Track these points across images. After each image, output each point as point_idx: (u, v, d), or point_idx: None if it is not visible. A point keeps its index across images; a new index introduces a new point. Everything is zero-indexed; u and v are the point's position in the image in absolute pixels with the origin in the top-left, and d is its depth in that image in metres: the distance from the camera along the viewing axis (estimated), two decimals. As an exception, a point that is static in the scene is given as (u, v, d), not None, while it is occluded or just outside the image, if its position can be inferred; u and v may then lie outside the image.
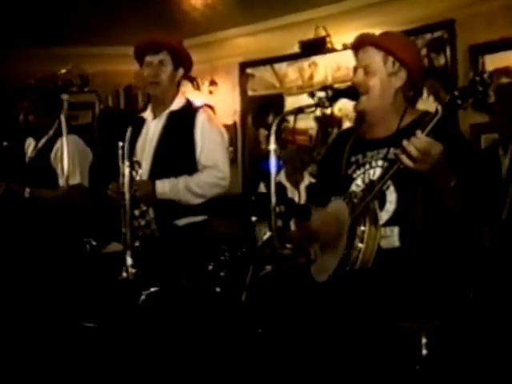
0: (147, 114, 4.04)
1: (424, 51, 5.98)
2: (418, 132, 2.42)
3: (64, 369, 3.66)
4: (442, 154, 2.43)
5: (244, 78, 7.48)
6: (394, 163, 2.56)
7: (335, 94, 2.76)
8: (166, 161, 3.84)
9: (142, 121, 4.03)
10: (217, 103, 7.40)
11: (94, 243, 3.83)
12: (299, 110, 2.78)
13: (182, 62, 3.98)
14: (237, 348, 3.62)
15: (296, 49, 6.67)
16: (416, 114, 2.87)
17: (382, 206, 2.75)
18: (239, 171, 7.54)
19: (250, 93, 7.47)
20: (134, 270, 3.37)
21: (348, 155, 2.98)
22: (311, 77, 6.87)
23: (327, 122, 6.68)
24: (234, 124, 7.54)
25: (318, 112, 5.50)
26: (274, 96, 7.20)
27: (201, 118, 3.84)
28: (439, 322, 2.54)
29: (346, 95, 2.88)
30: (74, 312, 3.82)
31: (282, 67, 7.14)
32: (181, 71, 3.99)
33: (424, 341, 2.51)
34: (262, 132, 7.30)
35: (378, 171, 2.79)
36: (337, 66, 6.48)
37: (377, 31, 3.07)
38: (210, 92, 7.55)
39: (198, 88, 7.57)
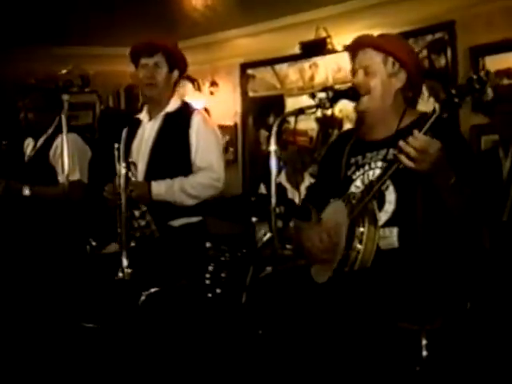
0: (143, 116, 4.06)
1: (425, 52, 5.99)
2: (416, 131, 2.43)
3: (64, 369, 3.67)
4: (440, 151, 2.43)
5: (245, 78, 7.48)
6: (393, 164, 2.57)
7: (336, 95, 2.76)
8: (162, 162, 3.86)
9: (138, 122, 4.05)
10: (217, 104, 7.46)
11: (93, 243, 3.83)
12: (300, 111, 2.78)
13: (177, 63, 4.01)
14: (237, 349, 3.62)
15: (297, 50, 6.67)
16: (415, 115, 2.88)
17: (380, 206, 2.75)
18: (239, 172, 7.55)
19: (250, 94, 7.47)
20: (129, 271, 3.38)
21: (347, 157, 2.98)
22: (312, 78, 6.87)
23: (328, 123, 6.67)
24: (235, 125, 7.55)
25: (319, 113, 5.53)
26: (275, 97, 7.20)
27: (196, 120, 3.87)
28: (439, 324, 2.54)
29: (346, 96, 2.88)
30: (74, 312, 3.82)
31: (282, 68, 7.14)
32: (176, 73, 4.02)
33: (424, 342, 2.51)
34: (263, 133, 7.30)
35: (378, 172, 2.78)
36: (337, 67, 6.47)
37: (377, 32, 3.08)
38: (211, 93, 7.56)
39: (198, 89, 7.59)
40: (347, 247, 2.66)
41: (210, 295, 4.72)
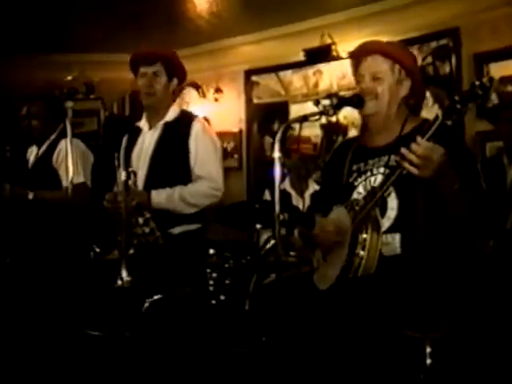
0: (143, 124, 4.09)
1: (429, 59, 5.98)
2: (419, 138, 2.44)
3: (68, 376, 3.66)
4: (443, 157, 2.44)
5: (249, 85, 7.47)
6: (396, 170, 2.57)
7: (340, 102, 2.76)
8: (162, 171, 3.89)
9: (138, 130, 4.06)
10: (222, 111, 7.45)
11: (97, 250, 3.83)
12: (304, 118, 2.78)
13: (176, 72, 4.04)
14: (241, 356, 3.62)
15: (301, 57, 6.65)
16: (417, 121, 2.89)
17: (383, 212, 2.75)
18: (244, 178, 7.53)
19: (255, 100, 7.46)
20: (129, 279, 3.38)
21: (350, 164, 2.99)
22: (316, 85, 6.86)
23: (332, 130, 6.66)
24: (240, 131, 7.53)
25: (324, 120, 5.52)
26: (279, 104, 7.19)
27: (195, 129, 3.89)
28: (444, 332, 2.53)
29: (350, 103, 2.89)
30: (78, 319, 3.82)
31: (287, 75, 7.13)
32: (175, 81, 4.06)
33: (428, 350, 2.50)
34: (267, 139, 7.29)
35: (380, 178, 2.79)
36: (342, 73, 6.46)
37: (382, 39, 3.09)
38: (216, 99, 7.55)
39: (203, 95, 7.58)
40: (350, 254, 2.66)
41: (213, 302, 4.71)
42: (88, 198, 4.60)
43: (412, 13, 5.96)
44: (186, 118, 3.98)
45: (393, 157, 2.77)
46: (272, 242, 4.31)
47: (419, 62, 5.92)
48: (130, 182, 3.58)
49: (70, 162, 3.94)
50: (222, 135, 7.37)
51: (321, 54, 6.54)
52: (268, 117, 7.29)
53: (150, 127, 4.02)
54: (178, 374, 3.54)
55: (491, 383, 3.06)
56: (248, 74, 7.46)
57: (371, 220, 2.67)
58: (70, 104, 3.88)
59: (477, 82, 2.42)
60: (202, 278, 4.01)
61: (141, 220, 3.67)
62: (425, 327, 2.50)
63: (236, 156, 7.54)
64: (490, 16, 5.49)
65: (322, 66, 6.75)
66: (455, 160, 2.53)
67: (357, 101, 2.90)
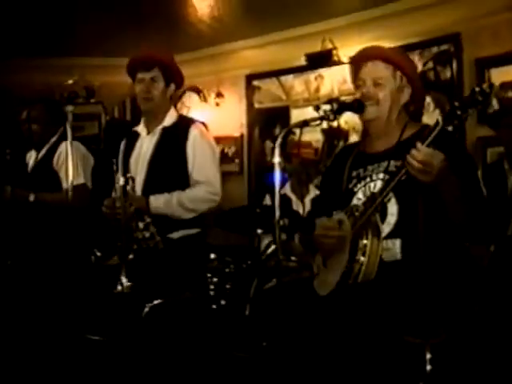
0: (141, 129, 4.09)
1: (430, 64, 5.98)
2: (418, 144, 2.44)
3: (67, 380, 3.66)
4: (443, 162, 2.44)
5: (250, 90, 7.48)
6: (395, 175, 2.57)
7: (340, 107, 2.77)
8: (160, 176, 3.91)
9: (136, 135, 4.07)
10: (223, 115, 7.46)
11: (98, 254, 3.83)
12: (304, 124, 2.78)
13: (174, 77, 4.05)
14: (241, 361, 3.61)
15: (302, 61, 6.66)
16: (416, 127, 2.90)
17: (383, 218, 2.75)
18: (245, 183, 7.54)
19: (256, 105, 7.46)
20: (128, 284, 3.39)
21: (349, 170, 2.99)
22: (317, 89, 6.86)
23: (334, 135, 6.66)
24: (241, 136, 7.54)
25: (325, 124, 5.52)
26: (281, 108, 7.19)
27: (193, 134, 3.90)
28: (444, 338, 2.52)
29: (351, 108, 2.89)
30: (78, 324, 3.82)
31: (288, 79, 7.13)
32: (172, 87, 4.07)
33: (428, 356, 2.49)
34: (268, 144, 7.29)
35: (379, 184, 2.80)
36: (343, 78, 6.45)
37: (384, 44, 3.09)
38: (217, 104, 7.55)
39: (204, 100, 7.59)
40: (350, 260, 2.66)
41: (214, 307, 4.71)
42: (88, 200, 4.61)
43: (413, 18, 5.96)
44: (184, 123, 3.99)
45: (392, 162, 2.78)
46: (272, 247, 4.33)
47: (420, 67, 5.94)
48: (129, 188, 3.59)
49: (71, 165, 3.95)
50: (223, 140, 7.41)
51: (322, 59, 6.54)
52: (269, 121, 7.29)
53: (148, 132, 4.03)
54: (178, 379, 3.54)
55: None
56: (249, 78, 7.46)
57: (371, 226, 2.67)
58: (70, 108, 3.90)
59: (477, 88, 2.42)
60: (202, 283, 4.01)
61: (141, 225, 3.67)
62: (425, 333, 2.50)
63: (237, 161, 7.55)
64: (490, 21, 5.49)
65: (324, 71, 6.75)
66: (455, 166, 2.53)
67: (357, 106, 2.90)
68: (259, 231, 4.86)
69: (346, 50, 6.06)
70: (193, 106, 7.66)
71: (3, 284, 4.40)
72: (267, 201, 5.50)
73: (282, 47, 6.93)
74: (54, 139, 4.77)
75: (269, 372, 3.07)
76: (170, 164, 3.89)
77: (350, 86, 6.15)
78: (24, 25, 6.21)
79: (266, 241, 4.97)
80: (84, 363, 3.67)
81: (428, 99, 5.78)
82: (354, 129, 6.36)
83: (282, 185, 5.37)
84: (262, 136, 7.43)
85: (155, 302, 3.53)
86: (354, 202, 2.88)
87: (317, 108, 2.75)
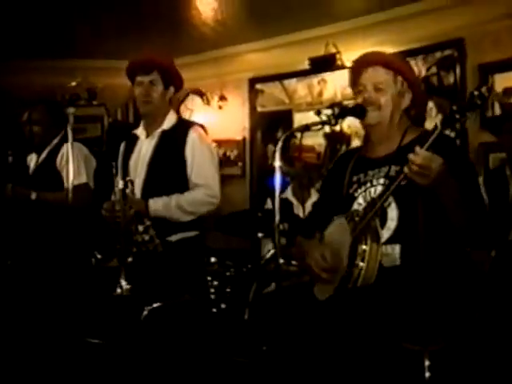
0: (140, 132, 4.09)
1: (434, 69, 5.98)
2: (417, 148, 2.44)
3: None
4: (442, 166, 2.44)
5: (253, 93, 7.48)
6: (395, 180, 2.57)
7: (342, 112, 2.77)
8: (159, 179, 3.90)
9: (136, 137, 4.08)
10: (226, 118, 7.46)
11: (99, 256, 3.83)
12: (305, 128, 2.78)
13: (173, 81, 4.05)
14: (241, 365, 3.61)
15: (306, 65, 6.65)
16: (417, 132, 2.90)
17: (383, 223, 2.74)
18: (247, 187, 7.53)
19: (259, 108, 7.46)
20: (128, 287, 3.39)
21: (350, 175, 2.99)
22: (320, 93, 6.86)
23: (336, 139, 6.65)
24: (243, 139, 7.54)
25: (327, 129, 5.52)
26: (283, 112, 7.19)
27: (191, 137, 3.90)
28: (442, 345, 2.52)
29: (352, 113, 2.89)
30: (78, 327, 3.82)
31: (291, 83, 7.13)
32: (171, 89, 4.06)
33: (427, 363, 2.48)
34: (271, 148, 7.28)
35: (379, 189, 2.79)
36: (346, 83, 6.41)
37: (387, 49, 3.10)
38: (220, 107, 7.56)
39: (207, 103, 7.60)
40: (350, 265, 2.65)
41: (214, 310, 4.71)
42: (90, 199, 4.61)
43: (417, 23, 5.97)
44: (183, 126, 3.99)
45: (393, 167, 2.78)
46: (272, 251, 4.33)
47: (424, 72, 5.94)
48: (128, 191, 3.59)
49: (71, 167, 3.96)
50: (226, 143, 7.42)
51: (325, 63, 6.53)
52: (272, 125, 7.28)
53: (147, 135, 4.03)
54: (177, 382, 3.54)
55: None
56: (252, 81, 7.47)
57: (371, 231, 2.66)
58: (71, 110, 3.91)
59: (475, 92, 2.42)
60: (201, 286, 4.01)
61: (141, 228, 3.67)
62: (423, 340, 2.49)
63: (239, 164, 7.55)
64: (493, 27, 5.49)
65: (327, 75, 6.75)
66: (455, 171, 2.53)
67: (359, 111, 2.90)
68: (260, 235, 4.87)
69: (350, 54, 6.06)
70: (196, 109, 7.67)
71: (3, 284, 4.40)
72: (269, 205, 5.50)
73: (285, 51, 6.93)
74: (55, 141, 4.77)
75: (268, 377, 3.06)
76: (168, 167, 3.89)
77: (352, 90, 6.24)
78: (25, 26, 6.22)
79: (267, 245, 4.98)
80: (83, 366, 3.68)
81: (431, 104, 5.78)
82: (357, 133, 6.36)
83: (284, 189, 5.38)
84: (264, 139, 7.43)
85: (154, 305, 3.53)
86: (355, 207, 2.87)
87: (318, 113, 2.75)
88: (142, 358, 3.52)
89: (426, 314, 2.52)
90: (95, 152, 4.97)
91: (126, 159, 3.93)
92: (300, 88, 7.05)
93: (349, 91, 6.31)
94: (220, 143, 7.31)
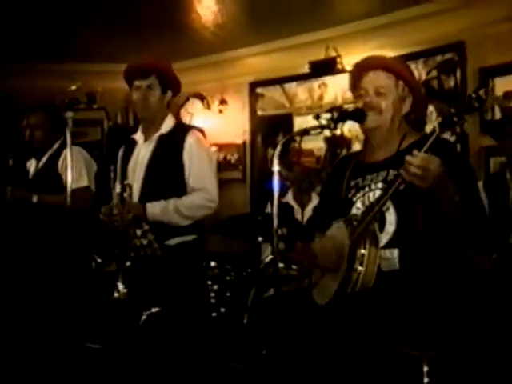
0: (138, 136, 4.10)
1: (434, 73, 5.97)
2: (415, 151, 2.43)
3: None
4: (440, 168, 2.43)
5: (254, 97, 7.47)
6: (393, 183, 2.56)
7: (341, 116, 2.76)
8: (156, 183, 3.91)
9: (134, 142, 4.08)
10: (226, 122, 7.45)
11: (98, 260, 3.83)
12: (304, 132, 2.78)
13: (170, 85, 4.06)
14: (240, 369, 3.60)
15: (306, 69, 6.64)
16: (416, 136, 2.89)
17: (381, 227, 2.74)
18: (248, 191, 7.52)
19: (259, 112, 7.45)
20: (125, 290, 3.39)
21: (348, 179, 2.98)
22: (321, 97, 6.85)
23: (336, 143, 6.64)
24: (244, 143, 7.53)
25: (328, 133, 5.51)
26: (284, 116, 7.17)
27: (189, 142, 3.90)
28: (441, 350, 2.51)
29: (352, 117, 2.88)
30: (77, 332, 3.82)
31: (291, 87, 7.12)
32: (169, 94, 4.07)
33: (426, 368, 2.48)
34: (271, 152, 7.27)
35: (378, 193, 2.79)
36: (347, 86, 6.42)
37: (387, 53, 3.09)
38: (220, 111, 7.55)
39: (208, 107, 7.60)
40: (348, 269, 2.65)
41: (214, 314, 4.70)
42: (91, 202, 4.60)
43: (417, 26, 5.96)
44: (181, 131, 4.00)
45: (391, 172, 2.77)
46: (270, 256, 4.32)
47: (424, 75, 5.93)
48: (126, 195, 3.59)
49: (69, 172, 3.96)
50: (226, 147, 7.42)
51: (326, 67, 6.52)
52: (272, 129, 7.27)
53: (146, 139, 4.04)
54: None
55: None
56: (253, 85, 7.46)
57: (369, 235, 2.66)
58: (70, 114, 3.91)
59: (473, 95, 2.42)
60: (199, 290, 4.00)
61: (139, 232, 3.67)
62: (422, 345, 2.48)
63: (240, 168, 7.54)
64: (494, 30, 5.48)
65: (327, 79, 6.74)
66: (455, 175, 2.52)
67: (359, 115, 2.89)
68: (260, 239, 4.86)
69: (350, 58, 6.05)
70: (196, 113, 7.66)
71: (3, 289, 4.39)
72: (269, 209, 5.49)
73: (285, 55, 6.92)
74: (56, 145, 4.76)
75: (267, 382, 3.06)
76: (166, 171, 3.89)
77: (352, 94, 6.23)
78: (24, 30, 6.23)
79: (267, 249, 4.97)
80: (82, 371, 3.67)
81: (431, 108, 5.77)
82: (357, 137, 6.34)
83: (284, 193, 5.37)
84: (264, 143, 7.42)
85: (153, 310, 3.52)
86: (353, 211, 2.87)
87: (317, 117, 2.75)
88: (141, 363, 3.52)
89: (425, 318, 2.51)
90: (95, 156, 4.97)
91: (125, 163, 3.94)
92: (300, 92, 7.04)
93: (349, 95, 6.34)
94: (220, 147, 7.32)
